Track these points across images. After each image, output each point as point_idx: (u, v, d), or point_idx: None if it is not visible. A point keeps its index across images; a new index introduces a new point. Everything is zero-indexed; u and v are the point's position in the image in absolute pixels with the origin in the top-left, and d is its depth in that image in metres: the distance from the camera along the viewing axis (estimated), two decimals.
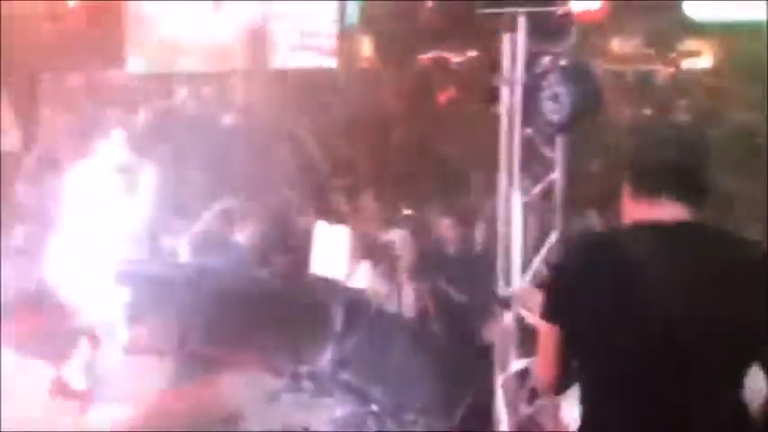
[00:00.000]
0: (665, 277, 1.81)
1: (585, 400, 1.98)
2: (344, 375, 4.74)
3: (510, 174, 3.59)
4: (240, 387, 4.83)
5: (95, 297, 5.00)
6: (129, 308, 5.32)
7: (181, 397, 4.75)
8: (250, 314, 5.10)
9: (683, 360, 1.82)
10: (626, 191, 1.94)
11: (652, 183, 1.89)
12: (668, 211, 1.88)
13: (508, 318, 3.68)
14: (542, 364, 2.04)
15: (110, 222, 5.22)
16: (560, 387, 2.03)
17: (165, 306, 5.41)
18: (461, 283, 4.56)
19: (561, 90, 3.26)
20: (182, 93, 8.77)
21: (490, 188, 4.90)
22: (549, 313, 1.96)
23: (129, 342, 5.27)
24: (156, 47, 7.75)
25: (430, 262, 4.68)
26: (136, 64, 7.61)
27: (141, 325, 5.38)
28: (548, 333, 1.97)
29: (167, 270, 5.75)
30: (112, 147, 4.27)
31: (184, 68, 8.12)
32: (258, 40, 8.65)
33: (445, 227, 4.81)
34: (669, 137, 1.97)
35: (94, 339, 5.04)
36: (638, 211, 1.92)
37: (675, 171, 1.89)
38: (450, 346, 4.17)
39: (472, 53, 10.79)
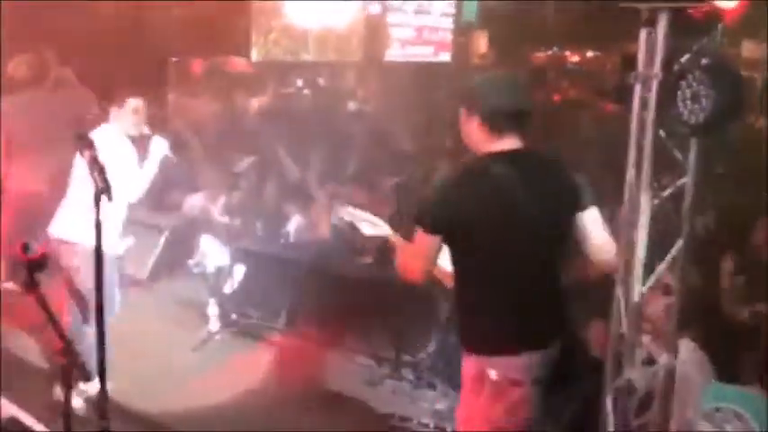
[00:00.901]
0: (523, 190, 2.56)
1: (464, 290, 2.69)
2: (447, 368, 4.72)
3: (638, 176, 3.45)
4: (342, 370, 4.91)
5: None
6: (243, 285, 5.51)
7: (283, 375, 4.87)
8: (356, 299, 5.15)
9: (540, 247, 2.62)
10: (474, 124, 2.61)
11: (503, 122, 2.58)
12: (512, 141, 2.61)
13: (623, 326, 3.54)
14: (412, 263, 2.69)
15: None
16: (424, 277, 2.67)
17: (275, 286, 5.56)
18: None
19: (703, 90, 3.09)
20: (298, 82, 8.99)
21: (609, 190, 4.74)
22: (433, 224, 2.59)
23: (238, 319, 5.45)
24: (279, 36, 7.97)
25: None
26: (259, 51, 7.85)
27: (253, 303, 5.56)
28: (423, 238, 2.61)
29: (280, 251, 5.91)
30: (127, 117, 4.23)
31: (303, 58, 8.31)
32: (375, 32, 8.75)
33: None
34: (512, 83, 2.65)
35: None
36: (488, 142, 2.61)
37: (520, 112, 2.61)
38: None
39: (592, 53, 10.51)
